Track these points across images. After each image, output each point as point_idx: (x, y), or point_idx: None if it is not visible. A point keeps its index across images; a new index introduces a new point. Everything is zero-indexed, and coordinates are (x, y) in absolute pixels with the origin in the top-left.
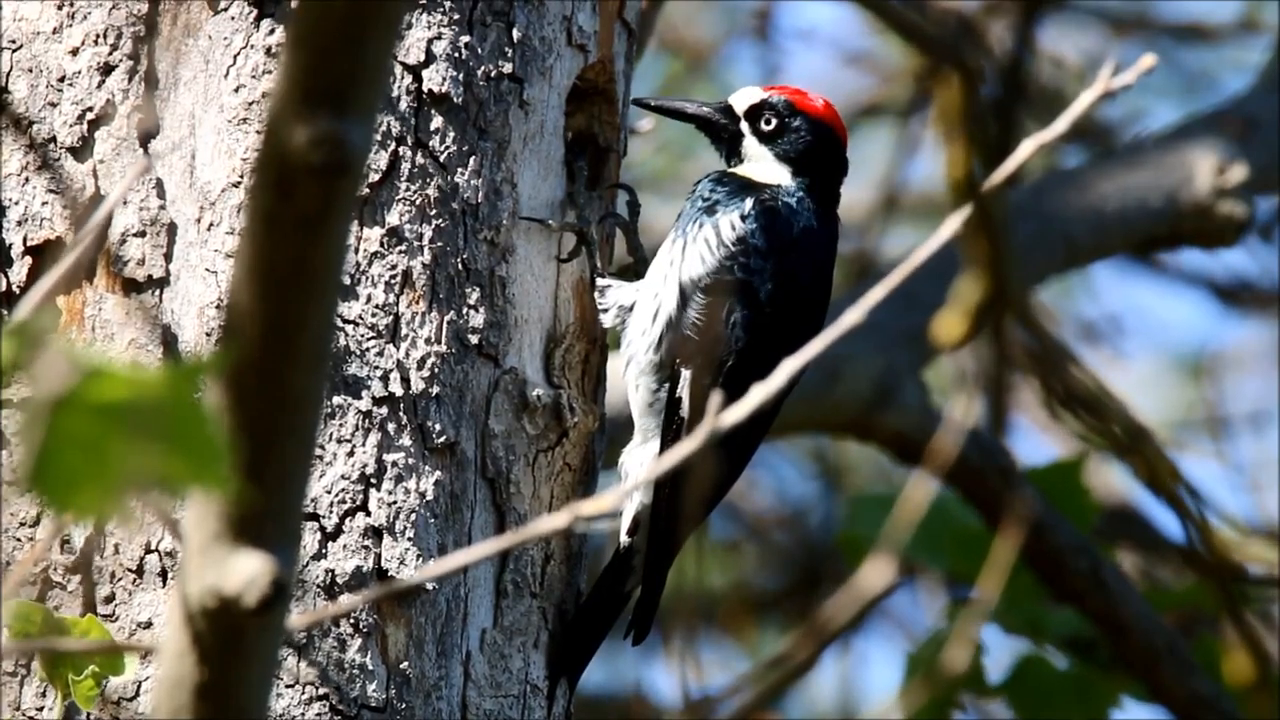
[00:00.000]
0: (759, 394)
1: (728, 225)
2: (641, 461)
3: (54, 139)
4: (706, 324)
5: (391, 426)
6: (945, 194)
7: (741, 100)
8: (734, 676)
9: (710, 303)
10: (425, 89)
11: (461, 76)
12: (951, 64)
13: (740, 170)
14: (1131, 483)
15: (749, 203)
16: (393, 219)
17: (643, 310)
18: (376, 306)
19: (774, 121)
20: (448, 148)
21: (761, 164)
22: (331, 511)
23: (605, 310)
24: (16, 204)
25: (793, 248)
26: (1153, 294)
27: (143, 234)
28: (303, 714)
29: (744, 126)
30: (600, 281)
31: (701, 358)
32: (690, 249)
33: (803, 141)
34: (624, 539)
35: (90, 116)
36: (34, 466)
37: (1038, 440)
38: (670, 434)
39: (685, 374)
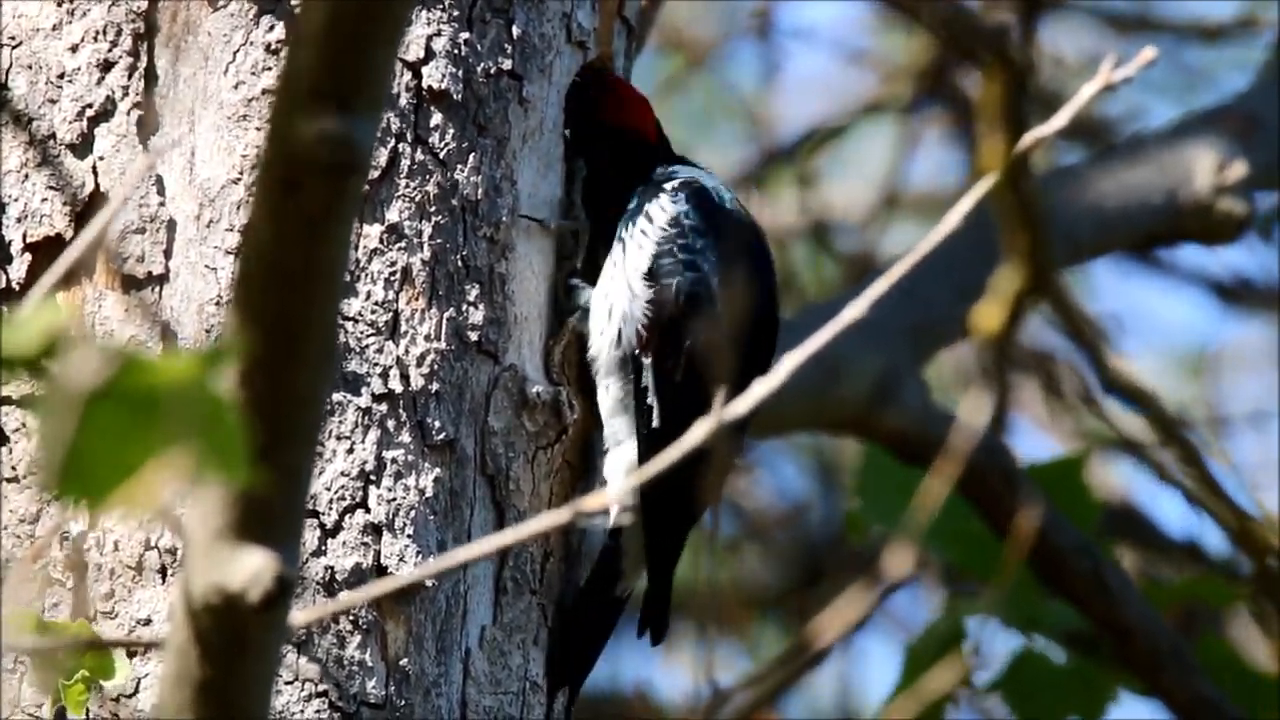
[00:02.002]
0: (761, 389)
1: (658, 209)
2: (618, 464)
3: (53, 136)
4: (661, 310)
5: (391, 423)
6: (946, 191)
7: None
8: (734, 674)
9: (658, 287)
10: (425, 86)
11: (461, 73)
12: (994, 55)
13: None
14: (1134, 480)
15: (670, 185)
16: (392, 216)
17: (598, 310)
18: (376, 303)
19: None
20: (447, 144)
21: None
22: (331, 508)
23: (574, 310)
24: (16, 201)
25: (724, 220)
26: (1153, 292)
27: (142, 231)
28: (302, 710)
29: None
30: (572, 282)
31: (659, 342)
32: (630, 244)
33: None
34: (607, 542)
35: (90, 113)
36: (61, 462)
37: (1037, 438)
38: (644, 429)
39: (646, 362)
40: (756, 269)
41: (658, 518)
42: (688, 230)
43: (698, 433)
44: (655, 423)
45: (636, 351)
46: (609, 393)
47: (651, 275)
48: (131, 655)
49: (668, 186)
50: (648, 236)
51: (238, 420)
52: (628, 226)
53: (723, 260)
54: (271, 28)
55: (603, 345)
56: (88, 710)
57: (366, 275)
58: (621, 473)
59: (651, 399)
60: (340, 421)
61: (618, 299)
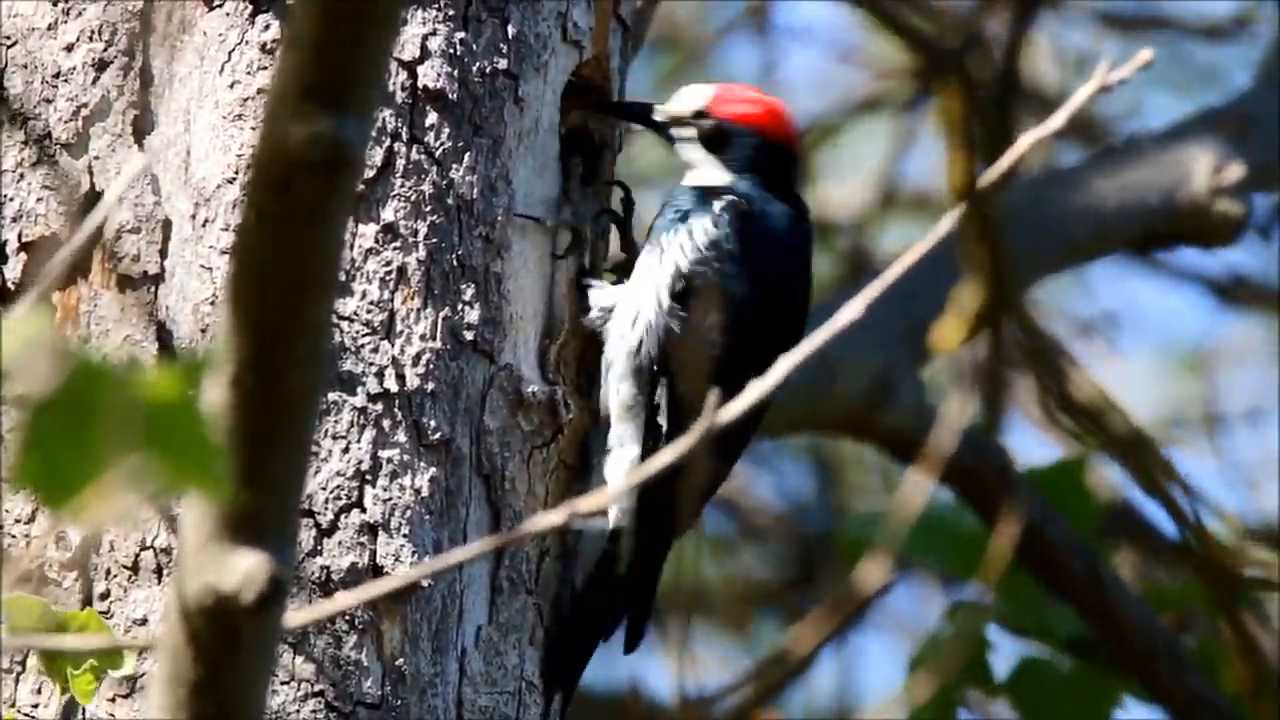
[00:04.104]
0: (754, 391)
1: (700, 230)
2: (620, 467)
3: (49, 135)
4: (685, 330)
5: (386, 423)
6: (942, 191)
7: (683, 105)
8: (731, 672)
9: (688, 308)
10: (420, 85)
11: (456, 73)
12: (954, 74)
13: (697, 178)
14: (1128, 482)
15: (718, 206)
16: (388, 215)
17: (623, 315)
18: (371, 303)
19: (709, 128)
20: (443, 144)
21: (711, 169)
22: (327, 508)
23: (589, 310)
24: (11, 200)
25: (767, 249)
26: (1150, 290)
27: (138, 230)
28: (298, 710)
29: (688, 131)
30: (586, 281)
31: (680, 364)
32: (667, 255)
33: (743, 148)
34: (606, 546)
35: (85, 113)
36: (25, 464)
37: (1034, 439)
38: (650, 441)
39: (664, 381)
40: (790, 298)
41: (649, 526)
42: (725, 255)
43: (690, 437)
44: (662, 442)
45: (655, 368)
46: (619, 396)
47: (681, 297)
48: None
49: (716, 207)
50: (684, 253)
51: (212, 429)
52: (668, 233)
53: (756, 289)
54: (267, 27)
55: (621, 351)
56: (84, 710)
57: (362, 275)
58: (623, 475)
59: (663, 418)
60: (336, 421)
61: (644, 308)
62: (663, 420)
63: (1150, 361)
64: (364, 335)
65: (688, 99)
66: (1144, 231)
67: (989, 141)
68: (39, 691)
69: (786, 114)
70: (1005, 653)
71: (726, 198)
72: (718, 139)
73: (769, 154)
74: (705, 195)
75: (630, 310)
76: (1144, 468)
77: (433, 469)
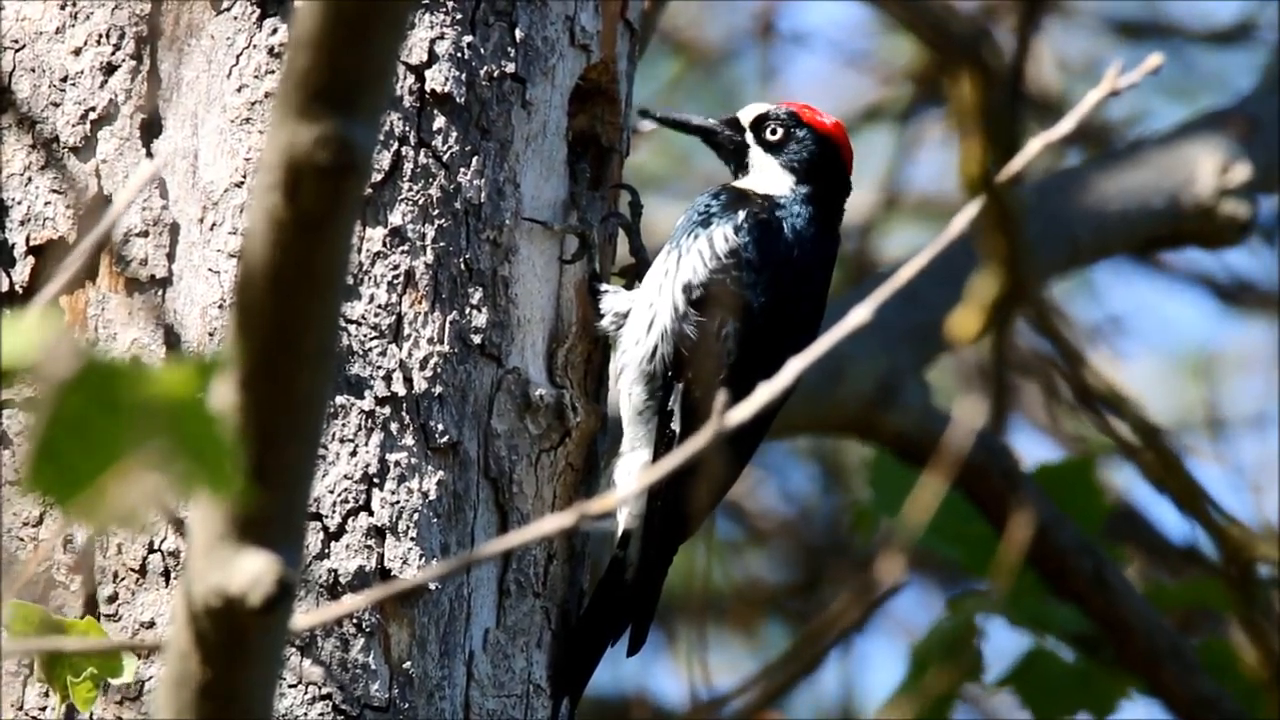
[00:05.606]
0: (764, 393)
1: (721, 237)
2: (630, 471)
3: (57, 139)
4: (700, 336)
5: (394, 426)
6: (945, 194)
7: (749, 113)
8: (738, 675)
9: (704, 315)
10: (428, 89)
11: (464, 76)
12: (968, 60)
13: (743, 183)
14: (1133, 484)
15: (742, 215)
16: (395, 219)
17: (638, 319)
18: (379, 306)
19: (779, 131)
20: (450, 148)
21: (765, 174)
22: (334, 511)
23: (601, 316)
24: (19, 204)
25: (786, 261)
26: (1154, 294)
27: (145, 234)
28: (305, 713)
29: (749, 137)
30: (598, 286)
31: (694, 370)
32: (685, 260)
33: (807, 152)
34: (616, 552)
35: (93, 116)
36: (36, 464)
37: (1038, 440)
38: (662, 445)
39: (678, 386)
40: (805, 309)
41: (659, 530)
42: (744, 263)
43: (700, 439)
44: (675, 447)
45: (670, 373)
46: (630, 400)
47: (700, 303)
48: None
49: (740, 215)
50: (703, 260)
51: (228, 434)
52: (688, 237)
53: (773, 299)
54: (274, 31)
55: (636, 356)
56: (92, 713)
57: (369, 278)
58: (634, 479)
59: (676, 424)
60: (343, 424)
61: (660, 313)
62: (676, 425)
63: (1154, 365)
64: (371, 339)
65: (756, 107)
66: (1149, 233)
67: (997, 143)
68: (46, 695)
69: (849, 143)
70: (1012, 646)
71: (753, 208)
72: (784, 137)
73: (827, 165)
74: (736, 200)
75: (646, 315)
76: (1161, 462)
77: (440, 472)
